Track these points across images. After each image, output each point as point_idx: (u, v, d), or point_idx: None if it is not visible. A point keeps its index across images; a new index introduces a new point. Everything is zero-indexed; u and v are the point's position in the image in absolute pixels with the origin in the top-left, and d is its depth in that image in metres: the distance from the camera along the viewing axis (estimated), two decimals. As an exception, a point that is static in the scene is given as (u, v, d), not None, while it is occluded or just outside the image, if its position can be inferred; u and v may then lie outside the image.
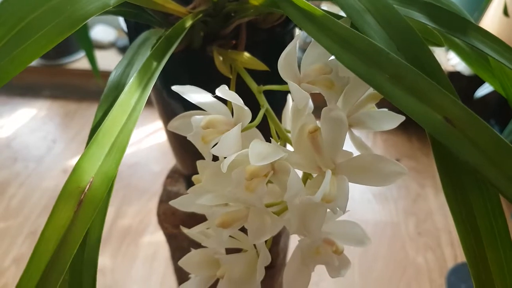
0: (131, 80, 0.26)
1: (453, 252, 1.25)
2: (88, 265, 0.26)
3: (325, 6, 0.56)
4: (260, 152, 0.26)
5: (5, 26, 0.26)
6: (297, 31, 0.49)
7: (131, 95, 0.25)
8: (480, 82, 0.88)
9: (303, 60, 0.30)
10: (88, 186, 0.22)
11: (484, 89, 0.89)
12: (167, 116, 0.54)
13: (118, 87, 0.30)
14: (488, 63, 0.40)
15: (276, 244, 0.65)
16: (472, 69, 0.43)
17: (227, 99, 0.28)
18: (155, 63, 0.28)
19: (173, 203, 0.33)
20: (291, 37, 0.48)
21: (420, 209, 1.37)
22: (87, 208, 0.21)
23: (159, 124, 1.67)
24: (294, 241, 0.29)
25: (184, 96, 0.29)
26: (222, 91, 0.28)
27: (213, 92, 0.30)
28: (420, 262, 1.22)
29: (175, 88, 0.29)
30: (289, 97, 0.42)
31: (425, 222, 1.33)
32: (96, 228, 0.25)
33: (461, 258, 1.23)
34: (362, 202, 1.40)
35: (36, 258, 0.21)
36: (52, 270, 0.20)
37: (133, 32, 0.45)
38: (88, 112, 1.81)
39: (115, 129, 0.24)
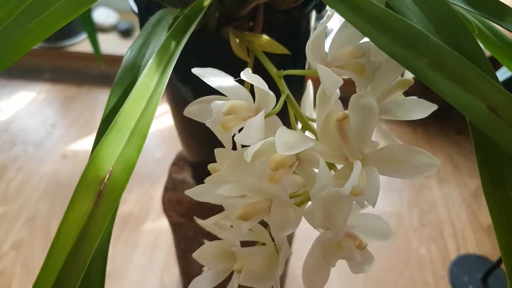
0: (150, 62, 0.24)
1: (456, 244, 1.24)
2: (97, 260, 0.24)
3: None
4: (287, 141, 0.24)
5: (7, 7, 0.24)
6: (314, 14, 0.47)
7: (151, 78, 0.24)
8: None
9: (331, 43, 0.28)
10: (108, 175, 0.20)
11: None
12: (176, 101, 0.52)
13: (134, 69, 0.28)
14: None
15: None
16: (497, 58, 0.41)
17: (252, 83, 0.26)
18: (174, 43, 0.26)
19: (189, 192, 0.31)
20: (308, 20, 0.46)
21: (424, 200, 1.36)
22: (107, 199, 0.20)
23: (160, 109, 1.65)
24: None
25: (204, 80, 0.27)
26: (247, 74, 0.26)
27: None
28: (423, 253, 1.22)
29: (195, 70, 0.27)
30: (309, 83, 0.40)
31: (429, 213, 1.32)
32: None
33: (464, 249, 1.22)
34: (365, 192, 1.39)
35: (54, 254, 0.19)
36: (71, 266, 0.18)
37: (144, 11, 0.43)
38: (89, 96, 1.79)
39: (135, 114, 0.22)
